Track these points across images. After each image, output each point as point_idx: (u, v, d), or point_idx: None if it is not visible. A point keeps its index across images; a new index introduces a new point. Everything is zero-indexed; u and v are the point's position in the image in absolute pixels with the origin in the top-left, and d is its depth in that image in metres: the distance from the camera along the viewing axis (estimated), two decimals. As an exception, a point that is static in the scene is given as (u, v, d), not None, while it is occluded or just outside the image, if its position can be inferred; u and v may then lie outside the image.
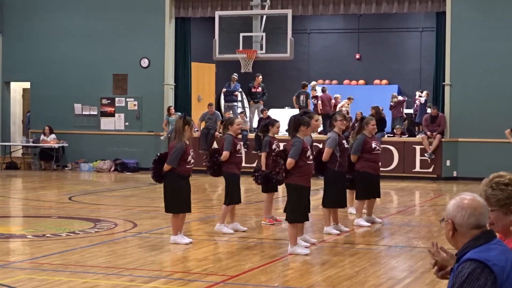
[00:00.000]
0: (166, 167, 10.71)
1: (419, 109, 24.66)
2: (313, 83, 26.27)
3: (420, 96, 25.11)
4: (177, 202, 10.84)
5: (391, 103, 25.05)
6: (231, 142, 11.82)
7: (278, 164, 10.14)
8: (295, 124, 10.25)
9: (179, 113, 23.00)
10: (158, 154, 11.08)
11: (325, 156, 11.62)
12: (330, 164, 11.70)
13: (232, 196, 12.04)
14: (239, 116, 23.54)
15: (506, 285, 3.49)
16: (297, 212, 10.19)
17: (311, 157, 10.27)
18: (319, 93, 25.28)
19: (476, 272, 3.47)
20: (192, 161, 10.90)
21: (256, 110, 24.76)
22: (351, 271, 9.34)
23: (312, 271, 9.40)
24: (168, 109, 23.41)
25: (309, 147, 10.32)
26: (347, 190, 13.00)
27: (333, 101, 25.15)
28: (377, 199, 13.77)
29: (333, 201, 11.86)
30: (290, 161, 10.03)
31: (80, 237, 11.62)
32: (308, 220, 10.59)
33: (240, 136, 22.69)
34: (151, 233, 12.05)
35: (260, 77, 24.69)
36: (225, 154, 11.80)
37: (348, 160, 12.27)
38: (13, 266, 9.50)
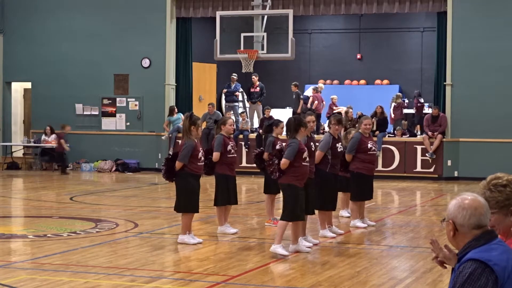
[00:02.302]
0: (178, 164, 10.76)
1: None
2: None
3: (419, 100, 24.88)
4: (189, 201, 10.88)
5: (395, 104, 24.93)
6: (221, 143, 11.79)
7: (273, 164, 10.12)
8: (295, 125, 10.20)
9: (181, 114, 23.05)
10: (170, 154, 11.13)
11: (316, 159, 11.51)
12: (322, 166, 11.55)
13: (219, 197, 11.98)
14: (240, 116, 23.53)
15: (507, 285, 3.48)
16: (292, 211, 10.07)
17: (307, 159, 10.19)
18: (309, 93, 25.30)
19: (477, 272, 3.46)
20: (203, 158, 10.99)
21: (255, 111, 24.69)
22: (352, 271, 9.34)
23: (313, 271, 9.40)
24: (173, 110, 23.37)
25: (306, 149, 10.23)
26: (340, 192, 12.93)
27: (316, 102, 25.01)
28: (376, 200, 13.72)
29: (325, 203, 11.69)
30: (284, 162, 9.98)
31: (81, 237, 11.63)
32: (303, 219, 10.49)
33: (241, 136, 22.73)
34: (152, 233, 12.05)
35: (254, 76, 24.48)
36: (215, 155, 11.77)
37: (342, 160, 12.21)
38: (14, 266, 9.50)
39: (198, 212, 11.18)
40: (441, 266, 3.93)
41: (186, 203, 10.93)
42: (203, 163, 11.05)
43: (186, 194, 10.90)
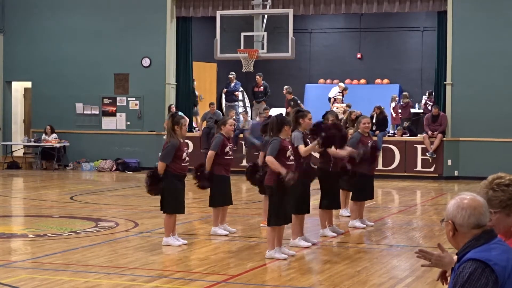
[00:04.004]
0: (160, 165, 10.55)
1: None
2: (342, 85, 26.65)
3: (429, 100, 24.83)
4: (172, 202, 10.71)
5: (402, 103, 24.86)
6: (219, 143, 11.61)
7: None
8: (278, 124, 9.89)
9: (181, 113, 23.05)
10: (151, 172, 10.72)
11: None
12: (324, 165, 11.50)
13: (216, 198, 11.85)
14: (240, 116, 23.53)
15: (507, 285, 3.49)
16: (277, 214, 9.81)
17: (291, 157, 9.86)
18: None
19: (477, 272, 3.46)
20: (187, 158, 10.73)
21: (259, 110, 24.69)
22: (352, 270, 9.34)
23: (313, 270, 9.41)
24: (169, 108, 23.37)
25: (289, 147, 9.93)
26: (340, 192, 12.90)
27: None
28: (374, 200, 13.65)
29: (329, 202, 11.64)
30: (269, 159, 9.67)
31: (81, 237, 11.63)
32: (290, 222, 10.25)
33: (241, 135, 22.71)
34: (153, 233, 12.04)
35: (258, 76, 24.52)
36: (210, 153, 11.59)
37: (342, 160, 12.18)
38: (14, 265, 9.51)
39: (182, 213, 10.98)
40: (443, 281, 3.91)
41: (168, 204, 10.72)
42: (187, 164, 10.72)
43: (168, 194, 10.68)
